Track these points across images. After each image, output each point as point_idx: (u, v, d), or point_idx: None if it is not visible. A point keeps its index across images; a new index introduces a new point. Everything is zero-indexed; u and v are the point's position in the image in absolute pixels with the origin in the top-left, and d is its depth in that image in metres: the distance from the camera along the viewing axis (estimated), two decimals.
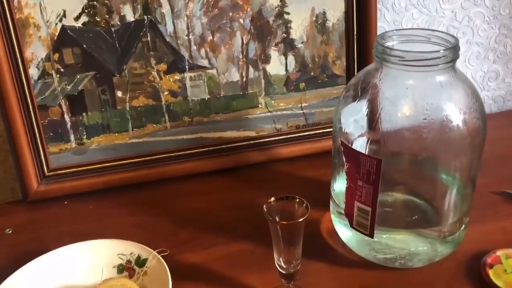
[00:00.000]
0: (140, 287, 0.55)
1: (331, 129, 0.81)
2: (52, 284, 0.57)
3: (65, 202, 0.75)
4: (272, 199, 0.52)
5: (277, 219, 0.51)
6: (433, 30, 0.56)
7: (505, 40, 0.95)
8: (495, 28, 0.93)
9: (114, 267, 0.58)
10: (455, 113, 0.53)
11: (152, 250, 0.57)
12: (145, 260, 0.57)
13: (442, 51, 0.51)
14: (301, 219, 0.49)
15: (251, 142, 0.82)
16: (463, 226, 0.59)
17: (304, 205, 0.51)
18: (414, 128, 0.54)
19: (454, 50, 0.52)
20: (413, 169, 0.60)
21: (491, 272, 0.56)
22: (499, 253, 0.58)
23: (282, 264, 0.52)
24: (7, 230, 0.70)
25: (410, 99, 0.54)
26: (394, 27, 0.88)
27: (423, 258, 0.58)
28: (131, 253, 0.58)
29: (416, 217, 0.60)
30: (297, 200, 0.52)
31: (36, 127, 0.73)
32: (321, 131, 0.83)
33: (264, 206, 0.51)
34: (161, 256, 0.56)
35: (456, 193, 0.57)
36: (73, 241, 0.60)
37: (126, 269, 0.58)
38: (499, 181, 0.74)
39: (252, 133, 0.82)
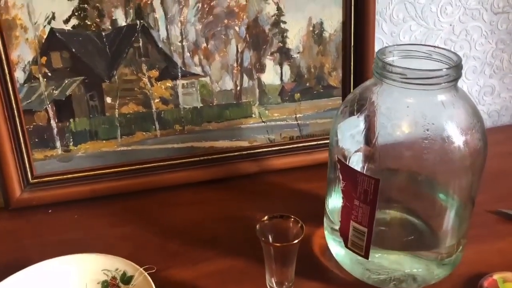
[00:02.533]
0: None
1: (326, 141, 0.80)
2: None
3: (50, 211, 0.73)
4: (266, 217, 0.50)
5: (270, 238, 0.49)
6: (434, 47, 0.54)
7: (502, 55, 0.94)
8: (492, 43, 0.92)
9: (98, 283, 0.56)
10: (457, 134, 0.51)
11: (139, 267, 0.55)
12: (131, 277, 0.55)
13: (445, 69, 0.50)
14: (295, 241, 0.47)
15: (243, 152, 0.80)
16: (461, 248, 0.57)
17: (299, 225, 0.49)
18: (413, 147, 0.52)
19: (457, 68, 0.50)
20: (411, 188, 0.58)
21: None
22: (495, 276, 0.57)
23: (274, 285, 0.51)
24: None
25: (411, 118, 0.52)
26: (391, 39, 0.86)
27: (418, 280, 0.56)
28: (117, 269, 0.56)
29: (412, 237, 0.59)
30: (292, 219, 0.50)
31: (20, 132, 0.70)
32: (315, 143, 0.82)
33: (257, 225, 0.49)
34: (147, 273, 0.54)
35: (455, 214, 0.55)
36: (57, 252, 0.57)
37: (111, 286, 0.55)
38: (494, 199, 0.73)
39: (245, 143, 0.80)
